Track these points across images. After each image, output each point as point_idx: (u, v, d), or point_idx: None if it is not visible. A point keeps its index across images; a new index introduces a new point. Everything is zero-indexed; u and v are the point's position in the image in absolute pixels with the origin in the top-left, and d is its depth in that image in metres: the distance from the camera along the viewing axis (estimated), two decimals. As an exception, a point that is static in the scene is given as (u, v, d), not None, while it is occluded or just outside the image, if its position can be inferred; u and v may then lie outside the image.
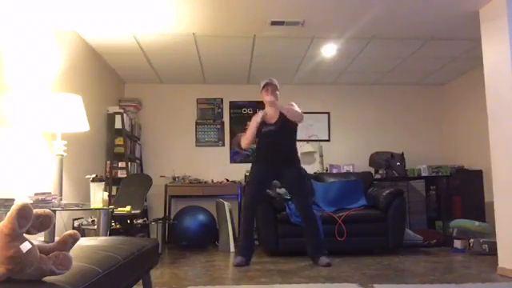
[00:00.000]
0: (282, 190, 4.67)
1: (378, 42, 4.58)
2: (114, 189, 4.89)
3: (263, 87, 4.06)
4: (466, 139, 5.78)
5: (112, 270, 1.47)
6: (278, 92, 4.07)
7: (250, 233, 4.01)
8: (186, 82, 6.08)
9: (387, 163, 5.65)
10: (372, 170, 5.79)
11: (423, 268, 3.64)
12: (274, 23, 4.05)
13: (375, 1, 3.62)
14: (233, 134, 6.20)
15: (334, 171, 5.93)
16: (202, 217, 5.12)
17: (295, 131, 4.13)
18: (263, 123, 4.06)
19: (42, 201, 2.77)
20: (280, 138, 4.03)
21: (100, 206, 3.09)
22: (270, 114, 4.08)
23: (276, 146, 4.05)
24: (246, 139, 4.13)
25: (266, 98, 4.04)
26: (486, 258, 4.08)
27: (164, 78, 5.94)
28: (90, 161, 4.59)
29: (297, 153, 4.18)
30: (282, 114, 4.02)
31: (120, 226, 4.28)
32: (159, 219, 5.04)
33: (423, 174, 5.55)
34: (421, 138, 6.32)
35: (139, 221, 4.71)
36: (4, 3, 2.98)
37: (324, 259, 3.82)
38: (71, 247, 1.27)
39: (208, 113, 6.23)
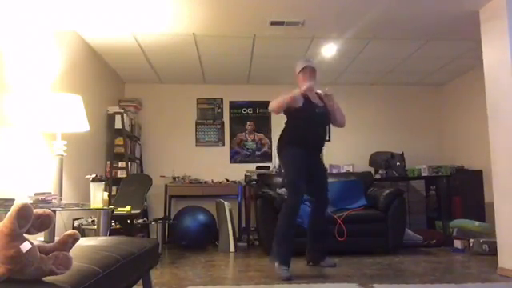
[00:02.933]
0: (282, 190, 4.67)
1: (378, 42, 4.58)
2: (114, 189, 4.89)
3: (301, 70, 3.61)
4: (466, 139, 5.78)
5: (112, 270, 1.47)
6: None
7: (291, 237, 3.46)
8: (186, 81, 6.08)
9: (387, 163, 5.65)
10: (372, 169, 5.79)
11: (423, 268, 3.64)
12: (273, 23, 4.05)
13: (375, 1, 3.62)
14: (233, 134, 6.20)
15: (334, 171, 5.93)
16: (201, 217, 5.12)
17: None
18: (310, 102, 3.58)
19: (42, 201, 2.77)
20: (325, 123, 3.72)
21: (100, 206, 3.09)
22: (312, 97, 3.64)
23: (321, 132, 3.71)
24: (276, 107, 3.50)
25: (305, 84, 3.52)
26: (485, 258, 4.07)
27: (164, 78, 5.94)
28: (90, 161, 4.59)
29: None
30: (321, 98, 3.69)
31: (120, 225, 4.28)
32: (159, 219, 5.04)
33: (423, 174, 5.55)
34: (421, 138, 6.32)
35: (139, 221, 4.71)
36: (4, 3, 2.98)
37: (330, 259, 3.77)
38: (71, 247, 1.27)
39: (208, 113, 6.22)
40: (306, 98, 3.58)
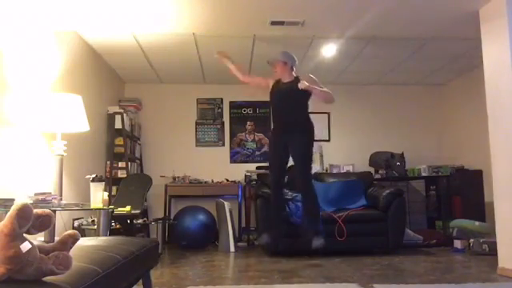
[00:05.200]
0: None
1: (377, 42, 4.58)
2: (114, 189, 4.89)
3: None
4: (466, 139, 5.78)
5: (112, 270, 1.47)
6: (284, 62, 4.11)
7: (279, 218, 4.16)
8: (186, 81, 6.08)
9: (387, 163, 5.65)
10: (372, 169, 5.78)
11: (423, 268, 3.64)
12: (273, 23, 4.05)
13: (375, 1, 3.62)
14: (233, 134, 6.20)
15: (334, 171, 5.93)
16: (202, 217, 5.12)
17: (308, 95, 4.05)
18: (278, 83, 4.16)
19: (42, 201, 2.77)
20: (292, 95, 4.00)
21: (100, 206, 3.09)
22: (284, 76, 4.15)
23: (288, 105, 4.03)
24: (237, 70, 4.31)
25: (274, 74, 4.21)
26: (485, 258, 4.07)
27: (164, 78, 5.94)
28: (90, 161, 4.59)
29: (309, 119, 4.10)
30: (297, 79, 4.04)
31: (120, 225, 4.28)
32: (159, 219, 5.04)
33: (423, 174, 5.55)
34: (421, 138, 6.31)
35: (139, 221, 4.71)
36: (4, 3, 2.98)
37: (317, 241, 3.84)
38: (71, 247, 1.27)
39: (208, 113, 6.22)
40: (277, 80, 4.18)
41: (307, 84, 3.87)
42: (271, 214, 4.23)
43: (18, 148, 3.12)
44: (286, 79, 4.14)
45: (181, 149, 6.09)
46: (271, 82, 4.23)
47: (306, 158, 4.03)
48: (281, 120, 4.13)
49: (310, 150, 4.08)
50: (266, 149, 6.19)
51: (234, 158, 6.17)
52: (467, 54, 4.98)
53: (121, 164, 5.14)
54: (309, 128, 4.05)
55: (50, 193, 3.02)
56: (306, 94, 4.00)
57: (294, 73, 4.18)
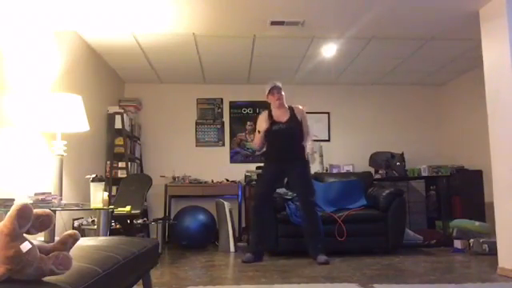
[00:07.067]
0: (282, 190, 4.67)
1: (377, 41, 4.58)
2: (113, 189, 4.89)
3: (269, 92, 4.23)
4: (466, 139, 5.78)
5: (112, 270, 1.47)
6: (283, 93, 4.23)
7: (261, 233, 4.19)
8: (186, 81, 6.08)
9: (387, 163, 5.65)
10: (372, 170, 5.78)
11: (423, 268, 3.64)
12: (273, 23, 4.05)
13: (375, 1, 3.62)
14: (233, 134, 6.21)
15: (334, 171, 5.93)
16: (202, 217, 5.12)
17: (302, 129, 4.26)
18: (273, 122, 4.19)
19: (42, 201, 2.77)
20: (290, 136, 4.14)
21: (100, 206, 3.08)
22: (278, 114, 4.22)
23: (286, 145, 4.16)
24: (256, 144, 4.36)
25: (275, 102, 4.22)
26: (485, 258, 4.07)
27: (164, 78, 5.94)
28: (90, 161, 4.59)
29: (304, 148, 4.25)
30: (292, 112, 4.21)
31: (120, 225, 4.28)
32: (159, 219, 5.04)
33: (423, 174, 5.55)
34: (421, 138, 6.31)
35: (139, 221, 4.71)
36: (4, 3, 2.98)
37: (321, 257, 3.88)
38: (71, 247, 1.27)
39: (208, 113, 6.23)
40: (272, 119, 4.19)
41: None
42: (253, 229, 4.25)
43: (18, 148, 3.12)
44: (281, 109, 4.22)
45: (181, 149, 6.09)
46: (266, 123, 4.21)
47: (308, 184, 4.19)
48: (280, 152, 4.19)
49: (310, 176, 4.31)
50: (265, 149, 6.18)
51: (234, 158, 6.17)
52: (467, 54, 4.98)
53: (121, 164, 5.15)
54: (306, 158, 4.23)
55: (50, 193, 3.02)
56: (301, 129, 4.22)
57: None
